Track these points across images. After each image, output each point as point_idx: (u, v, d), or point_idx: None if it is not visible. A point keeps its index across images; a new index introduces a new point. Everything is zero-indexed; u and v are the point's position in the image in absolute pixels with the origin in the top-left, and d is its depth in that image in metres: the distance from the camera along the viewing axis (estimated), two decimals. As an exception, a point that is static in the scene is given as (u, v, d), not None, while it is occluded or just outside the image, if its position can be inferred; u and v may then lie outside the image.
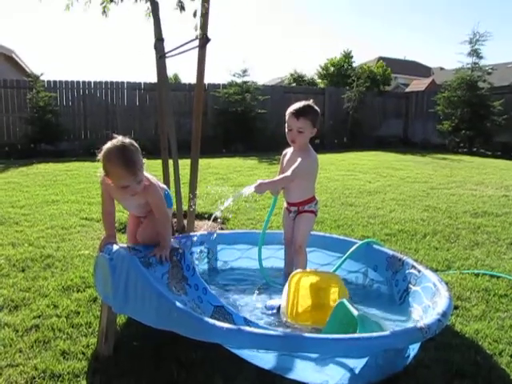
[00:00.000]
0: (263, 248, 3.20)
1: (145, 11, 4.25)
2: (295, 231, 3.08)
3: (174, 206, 4.46)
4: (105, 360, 2.24)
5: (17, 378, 2.10)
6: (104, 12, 4.24)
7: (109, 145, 2.29)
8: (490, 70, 14.74)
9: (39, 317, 2.69)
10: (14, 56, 16.88)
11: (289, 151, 3.16)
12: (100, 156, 2.30)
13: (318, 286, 2.66)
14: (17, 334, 2.49)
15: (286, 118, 3.00)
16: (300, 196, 3.09)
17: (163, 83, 4.38)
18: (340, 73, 25.72)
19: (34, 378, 2.10)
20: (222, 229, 4.52)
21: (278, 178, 3.02)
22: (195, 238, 3.19)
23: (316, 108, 3.03)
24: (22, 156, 11.62)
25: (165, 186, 2.65)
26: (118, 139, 2.29)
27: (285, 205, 3.22)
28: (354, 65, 25.98)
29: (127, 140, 2.30)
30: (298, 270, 2.76)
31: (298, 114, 2.95)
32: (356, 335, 1.97)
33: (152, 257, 2.36)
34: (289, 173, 2.93)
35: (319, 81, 27.36)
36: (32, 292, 3.05)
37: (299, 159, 2.93)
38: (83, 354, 2.30)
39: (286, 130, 3.02)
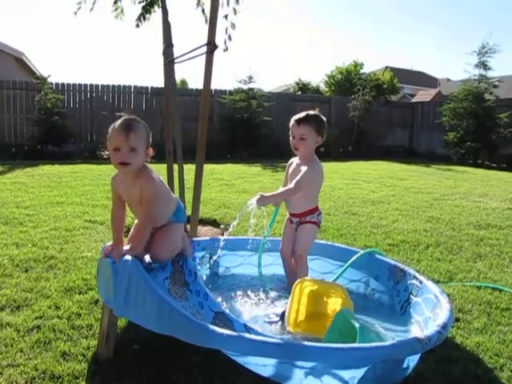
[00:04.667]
0: (265, 255, 3.21)
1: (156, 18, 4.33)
2: (297, 241, 3.05)
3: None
4: (105, 362, 2.25)
5: (17, 377, 2.11)
6: (117, 14, 4.33)
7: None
8: (496, 83, 14.74)
9: (41, 317, 2.70)
10: (23, 58, 17.02)
11: (294, 161, 3.14)
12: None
13: (318, 294, 2.65)
14: (18, 334, 2.50)
15: (290, 126, 3.02)
16: (302, 207, 3.06)
17: (171, 88, 4.41)
18: (348, 80, 25.73)
19: (34, 378, 2.11)
20: (223, 234, 4.53)
21: (279, 190, 3.00)
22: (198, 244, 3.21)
23: (321, 117, 3.01)
24: (28, 157, 11.70)
25: (177, 197, 2.55)
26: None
27: (287, 215, 3.22)
28: (363, 75, 25.96)
29: (135, 117, 2.28)
30: (303, 278, 2.75)
31: (299, 121, 2.96)
32: (355, 345, 1.98)
33: (154, 262, 2.37)
34: (292, 185, 2.92)
35: (326, 89, 27.39)
36: (34, 293, 3.06)
37: (303, 170, 2.92)
38: (83, 355, 2.31)
39: (290, 138, 3.02)
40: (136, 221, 2.47)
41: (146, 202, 2.27)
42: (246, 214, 2.92)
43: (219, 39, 3.57)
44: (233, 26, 3.70)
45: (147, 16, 4.23)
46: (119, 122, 2.23)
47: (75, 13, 4.34)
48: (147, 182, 2.26)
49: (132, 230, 2.47)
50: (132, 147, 2.19)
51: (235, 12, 3.71)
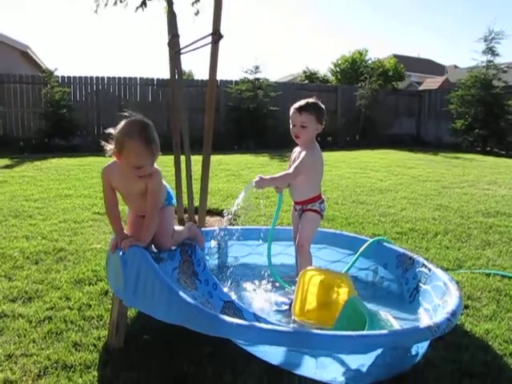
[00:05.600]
0: (273, 244, 3.21)
1: (163, 8, 4.31)
2: (299, 231, 3.03)
3: (186, 202, 4.50)
4: (115, 352, 2.28)
5: (31, 367, 2.14)
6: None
7: (130, 120, 2.17)
8: (505, 69, 14.56)
9: (52, 309, 2.73)
10: (29, 52, 17.03)
11: (297, 149, 3.13)
12: (117, 132, 2.17)
13: (327, 284, 2.64)
14: (30, 324, 2.53)
15: (290, 114, 3.01)
16: (303, 195, 3.04)
17: (177, 79, 4.40)
18: (354, 69, 25.51)
19: (47, 367, 2.14)
20: (232, 225, 4.54)
21: (279, 174, 2.97)
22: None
23: (320, 105, 3.01)
24: (36, 150, 11.77)
25: (166, 183, 2.55)
26: (139, 116, 2.20)
27: (293, 203, 3.22)
28: (368, 62, 25.68)
29: (146, 119, 2.21)
30: (310, 267, 2.76)
31: (300, 109, 2.95)
32: (365, 332, 1.98)
33: (163, 252, 2.38)
34: (290, 170, 2.93)
35: (332, 78, 27.20)
36: (45, 284, 3.10)
37: (302, 156, 2.92)
38: (94, 346, 2.34)
39: (291, 126, 3.01)
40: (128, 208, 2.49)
41: (153, 193, 2.29)
42: (245, 198, 2.91)
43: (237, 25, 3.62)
44: None
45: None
46: (142, 134, 2.14)
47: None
48: (153, 175, 2.27)
49: (129, 217, 2.49)
50: (153, 162, 2.21)
51: None
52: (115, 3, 4.37)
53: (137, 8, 4.25)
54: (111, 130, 2.21)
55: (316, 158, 2.99)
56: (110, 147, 2.22)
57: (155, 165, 2.30)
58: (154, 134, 2.18)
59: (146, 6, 4.25)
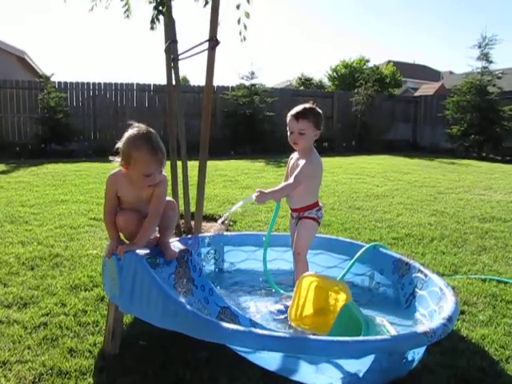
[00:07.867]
0: (269, 250, 3.20)
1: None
2: (296, 238, 2.97)
3: (182, 208, 4.50)
4: (111, 358, 2.27)
5: (25, 373, 2.13)
6: (126, 14, 4.40)
7: (134, 131, 2.19)
8: (499, 75, 14.68)
9: (47, 315, 2.72)
10: (26, 57, 17.05)
11: (294, 155, 3.07)
12: (122, 143, 2.20)
13: (325, 291, 2.63)
14: (25, 331, 2.52)
15: (287, 121, 2.94)
16: (300, 202, 2.98)
17: (175, 85, 4.41)
18: (352, 75, 25.65)
19: (42, 374, 2.13)
20: (228, 230, 4.54)
21: (279, 187, 2.90)
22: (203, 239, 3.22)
23: (318, 110, 2.93)
24: (32, 156, 11.75)
25: None
26: (142, 126, 2.22)
27: (289, 210, 3.19)
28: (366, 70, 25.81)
29: (150, 128, 2.24)
30: (308, 273, 2.74)
31: (297, 116, 2.87)
32: (360, 338, 1.98)
33: (160, 257, 2.38)
34: (291, 180, 2.86)
35: (328, 84, 27.34)
36: (40, 290, 3.08)
37: (301, 165, 2.85)
38: (90, 352, 2.32)
39: (288, 133, 2.94)
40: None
41: (159, 198, 2.32)
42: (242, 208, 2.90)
43: (233, 30, 3.60)
44: (247, 15, 3.61)
45: (160, 17, 4.21)
46: (148, 144, 2.18)
47: (92, 9, 4.46)
48: (162, 182, 2.31)
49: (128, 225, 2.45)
50: (161, 170, 2.26)
51: (248, 1, 3.59)
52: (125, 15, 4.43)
53: (151, 25, 4.26)
54: (119, 144, 2.24)
55: (315, 166, 2.92)
56: (117, 159, 2.25)
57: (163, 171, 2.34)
58: (159, 142, 2.22)
59: (158, 21, 4.24)
